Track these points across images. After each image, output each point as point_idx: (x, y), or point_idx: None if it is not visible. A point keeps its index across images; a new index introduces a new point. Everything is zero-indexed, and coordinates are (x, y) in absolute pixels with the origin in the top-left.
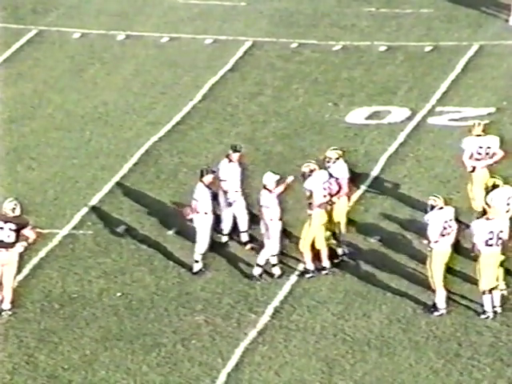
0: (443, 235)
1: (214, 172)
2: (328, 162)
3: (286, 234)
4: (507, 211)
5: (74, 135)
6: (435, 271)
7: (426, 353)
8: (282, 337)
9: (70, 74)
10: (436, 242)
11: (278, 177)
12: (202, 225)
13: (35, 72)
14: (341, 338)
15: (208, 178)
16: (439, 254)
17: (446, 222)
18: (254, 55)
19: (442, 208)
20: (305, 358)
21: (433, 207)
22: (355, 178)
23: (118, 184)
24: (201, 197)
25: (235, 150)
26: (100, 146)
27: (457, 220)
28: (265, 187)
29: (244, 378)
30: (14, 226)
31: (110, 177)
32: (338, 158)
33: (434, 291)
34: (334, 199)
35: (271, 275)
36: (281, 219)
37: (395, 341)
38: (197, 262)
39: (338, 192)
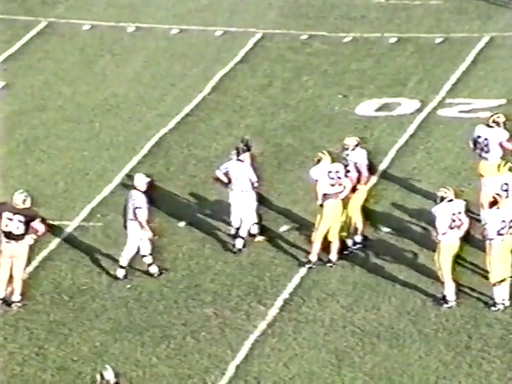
0: (452, 228)
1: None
2: (347, 149)
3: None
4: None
5: (83, 127)
6: (443, 263)
7: (436, 345)
8: (292, 329)
9: (79, 66)
10: (444, 234)
11: (148, 179)
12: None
13: (45, 64)
14: (350, 330)
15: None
16: (447, 246)
17: (454, 214)
18: (263, 47)
19: (451, 200)
20: (314, 350)
21: (442, 199)
22: (373, 166)
23: (128, 176)
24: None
25: (247, 149)
26: (110, 138)
27: (467, 211)
28: (135, 188)
29: (253, 369)
30: (23, 218)
31: (119, 169)
32: (356, 145)
33: (443, 283)
34: (359, 186)
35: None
36: (148, 222)
37: (405, 333)
38: (122, 267)
39: (359, 179)
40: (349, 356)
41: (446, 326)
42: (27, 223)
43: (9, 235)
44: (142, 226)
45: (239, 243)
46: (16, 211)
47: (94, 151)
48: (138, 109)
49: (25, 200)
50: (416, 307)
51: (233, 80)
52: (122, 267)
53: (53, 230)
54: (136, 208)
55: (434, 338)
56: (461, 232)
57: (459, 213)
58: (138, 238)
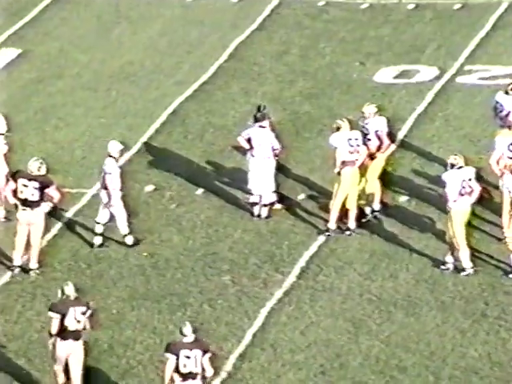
0: (462, 194)
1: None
2: (367, 117)
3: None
4: None
5: (100, 95)
6: (456, 231)
7: (453, 313)
8: (308, 297)
9: (96, 34)
10: (454, 201)
11: (122, 146)
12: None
13: (62, 31)
14: (367, 298)
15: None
16: (458, 213)
17: (464, 181)
18: (280, 14)
19: (461, 167)
20: (331, 318)
21: (452, 166)
22: (392, 134)
23: (145, 144)
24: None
25: (266, 117)
26: (127, 106)
27: (479, 179)
28: (110, 155)
29: (270, 337)
30: (37, 185)
31: (137, 137)
32: (376, 113)
33: (457, 251)
34: (378, 154)
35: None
36: (121, 189)
37: (422, 301)
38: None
39: (380, 147)
40: (365, 324)
41: (463, 293)
42: (42, 190)
43: (24, 202)
44: (110, 193)
45: (264, 212)
46: (31, 178)
47: (111, 119)
48: (154, 77)
49: (40, 167)
50: (434, 275)
51: (250, 47)
52: (125, 235)
53: (70, 197)
54: (106, 174)
55: (451, 305)
56: (472, 198)
57: (469, 179)
58: (117, 204)
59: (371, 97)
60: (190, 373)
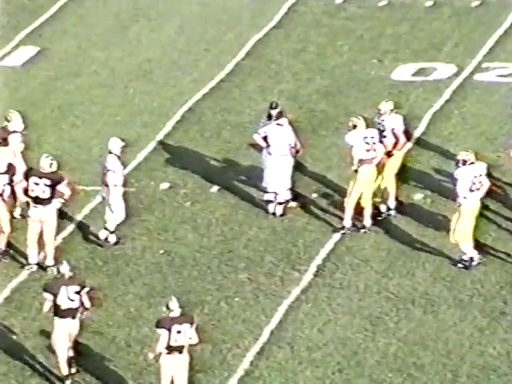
0: (472, 190)
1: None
2: (383, 113)
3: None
4: None
5: (117, 92)
6: (464, 225)
7: (471, 311)
8: (326, 295)
9: (114, 31)
10: (465, 197)
11: (123, 143)
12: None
13: (79, 29)
14: (384, 296)
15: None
16: (468, 209)
17: (475, 177)
18: (298, 11)
19: (472, 163)
20: (348, 315)
21: (464, 162)
22: (408, 132)
23: (161, 142)
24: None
25: (283, 115)
26: (144, 104)
27: (489, 175)
28: (110, 152)
29: (287, 335)
30: (49, 182)
31: (153, 134)
32: (392, 110)
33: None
34: (394, 152)
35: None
36: (124, 185)
37: (439, 299)
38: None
39: (396, 144)
40: (383, 322)
41: (481, 291)
42: (53, 187)
43: (36, 200)
44: (110, 190)
45: (279, 209)
46: (42, 175)
47: (128, 117)
48: (171, 74)
49: (51, 164)
50: (451, 273)
51: (267, 45)
52: (110, 231)
53: (84, 194)
54: (108, 171)
55: (469, 303)
56: (481, 193)
57: (480, 175)
58: (116, 202)
59: (388, 95)
60: (179, 346)
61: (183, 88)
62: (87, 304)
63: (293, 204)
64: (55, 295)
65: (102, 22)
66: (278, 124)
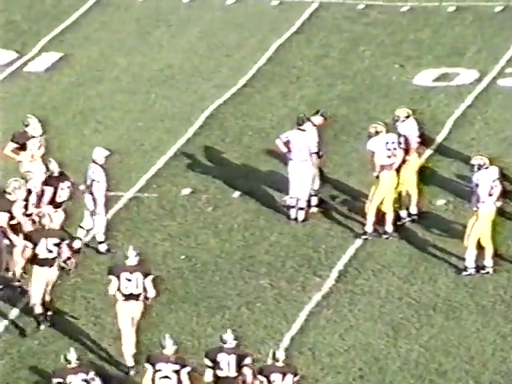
0: (490, 195)
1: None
2: (397, 120)
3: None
4: None
5: (139, 98)
6: (481, 230)
7: (493, 317)
8: (347, 300)
9: (135, 37)
10: (483, 202)
11: (107, 152)
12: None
13: (101, 35)
14: (406, 301)
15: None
16: (486, 213)
17: (494, 181)
18: (320, 17)
19: (487, 168)
20: (370, 321)
21: (480, 166)
22: (425, 138)
23: (183, 147)
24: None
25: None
26: (165, 109)
27: (503, 177)
28: (94, 161)
29: (308, 341)
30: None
31: (174, 140)
32: (407, 117)
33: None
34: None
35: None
36: (105, 196)
37: (461, 305)
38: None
39: (407, 151)
40: (405, 328)
41: (503, 298)
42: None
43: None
44: (96, 201)
45: (301, 215)
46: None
47: (150, 122)
48: (193, 80)
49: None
50: (473, 279)
51: (289, 51)
52: (101, 242)
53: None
54: (93, 181)
55: (492, 310)
56: (494, 197)
57: (496, 179)
58: (100, 211)
59: (409, 100)
60: (132, 294)
61: (205, 94)
62: (68, 253)
63: (314, 209)
64: (35, 244)
65: (123, 28)
66: (299, 129)
